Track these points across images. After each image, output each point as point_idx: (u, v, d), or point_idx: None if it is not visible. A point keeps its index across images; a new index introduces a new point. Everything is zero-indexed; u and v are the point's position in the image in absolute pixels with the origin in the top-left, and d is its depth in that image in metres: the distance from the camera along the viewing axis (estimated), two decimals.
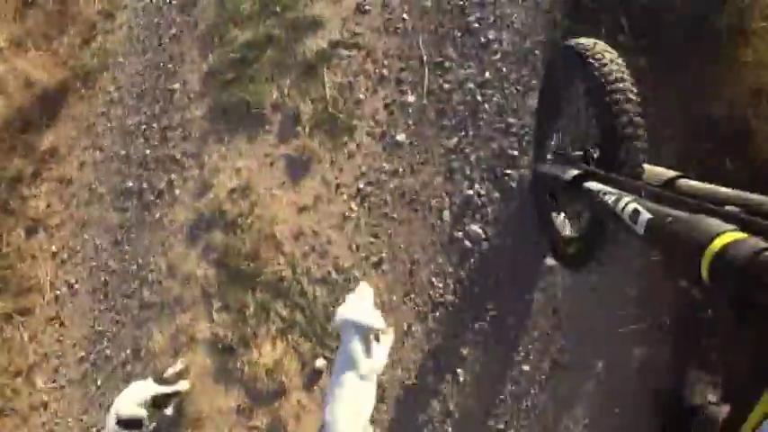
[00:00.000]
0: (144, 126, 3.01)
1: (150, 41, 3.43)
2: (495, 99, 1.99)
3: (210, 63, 2.77)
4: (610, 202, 1.00)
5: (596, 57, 1.21)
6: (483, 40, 2.13)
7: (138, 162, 2.89)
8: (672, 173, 1.11)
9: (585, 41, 1.28)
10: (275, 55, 2.45)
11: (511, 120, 1.96)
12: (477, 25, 2.18)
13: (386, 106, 2.10)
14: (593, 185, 1.12)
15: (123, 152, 3.03)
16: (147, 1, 3.75)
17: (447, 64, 2.11)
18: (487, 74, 2.05)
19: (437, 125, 2.01)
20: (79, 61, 3.73)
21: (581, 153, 1.33)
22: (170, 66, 3.12)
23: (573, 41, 1.32)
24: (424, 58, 2.15)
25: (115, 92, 3.39)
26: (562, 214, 1.55)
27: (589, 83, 1.23)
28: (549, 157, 1.56)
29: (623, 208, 0.94)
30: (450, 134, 1.98)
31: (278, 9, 2.64)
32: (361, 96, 2.14)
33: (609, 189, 1.05)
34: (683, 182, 1.06)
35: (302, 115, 2.19)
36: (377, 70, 2.19)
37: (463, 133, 1.96)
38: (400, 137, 2.02)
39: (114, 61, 3.55)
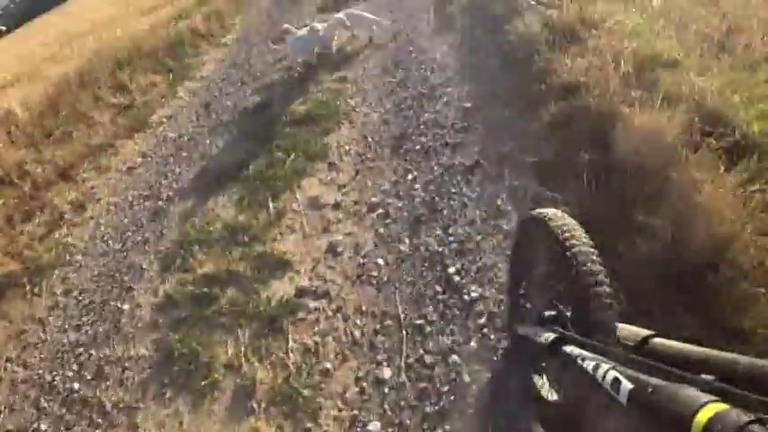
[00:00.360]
0: (81, 349, 2.61)
1: (113, 244, 3.24)
2: (484, 379, 1.71)
3: (167, 289, 2.52)
4: (589, 368, 1.00)
5: (557, 223, 1.32)
6: (466, 297, 1.95)
7: (63, 398, 2.41)
8: (645, 331, 1.14)
9: (546, 210, 1.42)
10: (236, 297, 2.21)
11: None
12: (458, 278, 2.03)
13: (357, 381, 1.78)
14: (571, 350, 1.13)
15: (49, 378, 2.56)
16: (121, 198, 3.71)
17: (428, 329, 1.88)
18: (473, 343, 1.80)
19: (418, 412, 1.67)
20: (35, 253, 3.49)
21: (555, 313, 1.36)
22: (126, 278, 2.86)
23: (536, 211, 1.46)
24: (402, 318, 1.93)
25: (62, 296, 3.06)
26: (544, 377, 1.51)
27: (553, 247, 1.31)
28: (524, 318, 1.58)
29: (604, 376, 0.94)
30: (434, 425, 1.64)
31: (246, 239, 2.51)
32: (329, 365, 1.84)
33: (587, 354, 1.05)
34: (657, 341, 1.09)
35: (259, 386, 1.85)
36: (348, 330, 1.94)
37: (449, 426, 1.62)
38: (373, 426, 1.66)
39: (71, 259, 3.31)
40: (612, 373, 0.92)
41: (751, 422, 0.62)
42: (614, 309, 1.20)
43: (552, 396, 1.47)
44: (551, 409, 1.46)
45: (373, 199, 2.48)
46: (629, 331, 1.17)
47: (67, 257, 3.34)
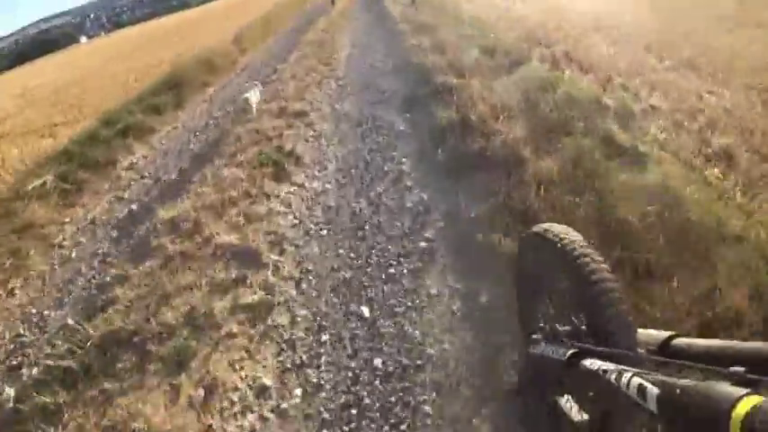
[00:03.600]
0: None
1: None
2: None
3: None
4: (612, 379, 0.97)
5: (561, 237, 1.34)
6: None
7: None
8: (665, 333, 1.13)
9: (548, 225, 1.44)
10: None
11: None
12: None
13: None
14: (591, 363, 1.08)
15: None
16: None
17: None
18: None
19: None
20: None
21: (569, 328, 1.32)
22: None
23: (537, 226, 1.48)
24: None
25: None
26: (566, 396, 1.44)
27: (560, 262, 1.31)
28: (538, 336, 1.51)
29: (628, 384, 0.91)
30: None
31: None
32: None
33: (608, 365, 1.02)
34: (679, 341, 1.09)
35: None
36: None
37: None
38: None
39: None
40: (636, 380, 0.89)
41: None
42: (630, 315, 1.19)
43: (580, 416, 1.38)
44: (583, 430, 1.36)
45: None
46: (650, 335, 1.16)
47: None
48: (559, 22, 8.00)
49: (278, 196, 3.60)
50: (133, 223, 3.74)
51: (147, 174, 4.80)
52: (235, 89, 7.40)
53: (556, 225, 1.42)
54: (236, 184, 3.83)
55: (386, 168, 3.82)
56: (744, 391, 0.69)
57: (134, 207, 4.04)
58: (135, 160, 5.29)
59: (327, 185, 3.71)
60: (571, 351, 1.19)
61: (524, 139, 3.48)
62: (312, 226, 3.18)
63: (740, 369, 0.76)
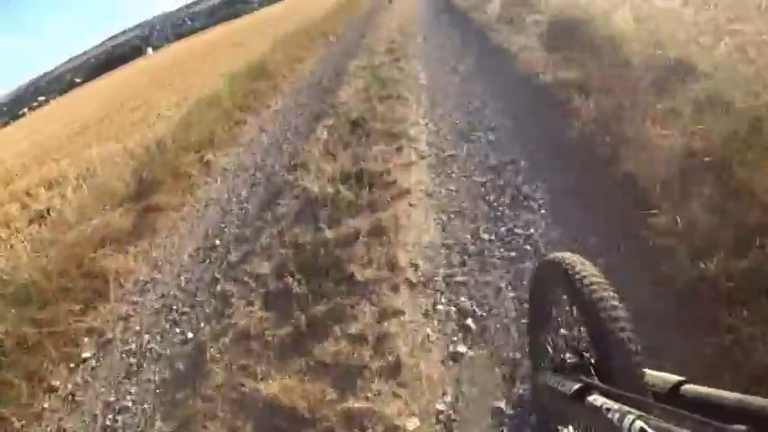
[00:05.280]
0: None
1: None
2: None
3: None
4: (614, 419, 0.95)
5: (575, 268, 1.28)
6: None
7: None
8: (675, 378, 1.12)
9: (562, 254, 1.38)
10: None
11: None
12: None
13: None
14: (595, 399, 1.06)
15: None
16: None
17: None
18: None
19: None
20: None
21: (578, 361, 1.32)
22: None
23: (552, 255, 1.44)
24: None
25: None
26: (570, 428, 1.46)
27: (573, 293, 1.27)
28: (546, 365, 1.53)
29: (629, 427, 0.90)
30: None
31: None
32: None
33: (612, 404, 1.00)
34: (688, 387, 1.08)
35: None
36: None
37: None
38: None
39: None
40: (639, 424, 0.87)
41: None
42: (639, 355, 1.13)
43: None
44: None
45: None
46: (659, 378, 1.14)
47: None
48: None
49: None
50: None
51: None
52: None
53: (571, 255, 1.37)
54: None
55: None
56: None
57: None
58: None
59: None
60: (577, 386, 1.15)
61: None
62: None
63: (743, 428, 0.73)
